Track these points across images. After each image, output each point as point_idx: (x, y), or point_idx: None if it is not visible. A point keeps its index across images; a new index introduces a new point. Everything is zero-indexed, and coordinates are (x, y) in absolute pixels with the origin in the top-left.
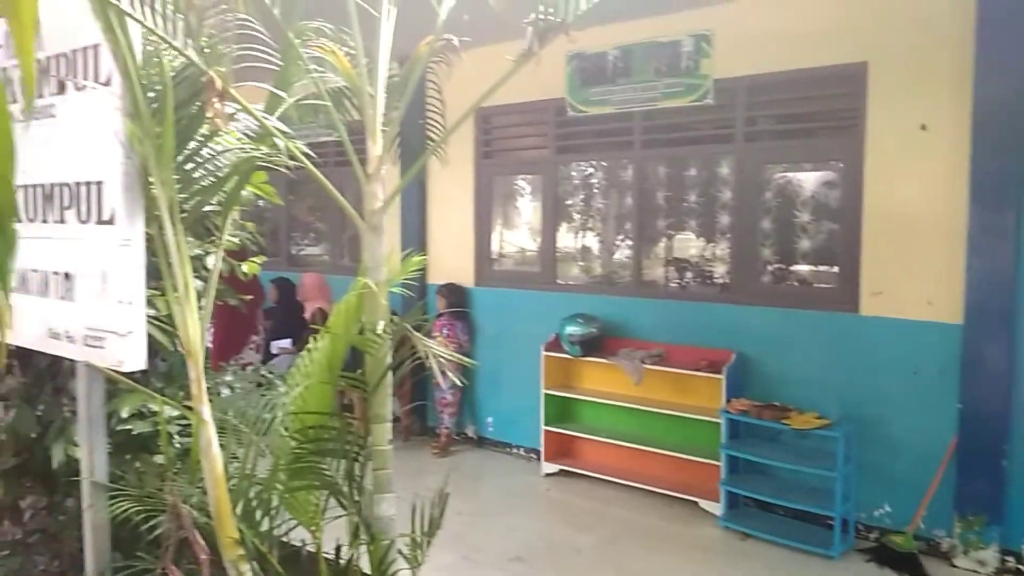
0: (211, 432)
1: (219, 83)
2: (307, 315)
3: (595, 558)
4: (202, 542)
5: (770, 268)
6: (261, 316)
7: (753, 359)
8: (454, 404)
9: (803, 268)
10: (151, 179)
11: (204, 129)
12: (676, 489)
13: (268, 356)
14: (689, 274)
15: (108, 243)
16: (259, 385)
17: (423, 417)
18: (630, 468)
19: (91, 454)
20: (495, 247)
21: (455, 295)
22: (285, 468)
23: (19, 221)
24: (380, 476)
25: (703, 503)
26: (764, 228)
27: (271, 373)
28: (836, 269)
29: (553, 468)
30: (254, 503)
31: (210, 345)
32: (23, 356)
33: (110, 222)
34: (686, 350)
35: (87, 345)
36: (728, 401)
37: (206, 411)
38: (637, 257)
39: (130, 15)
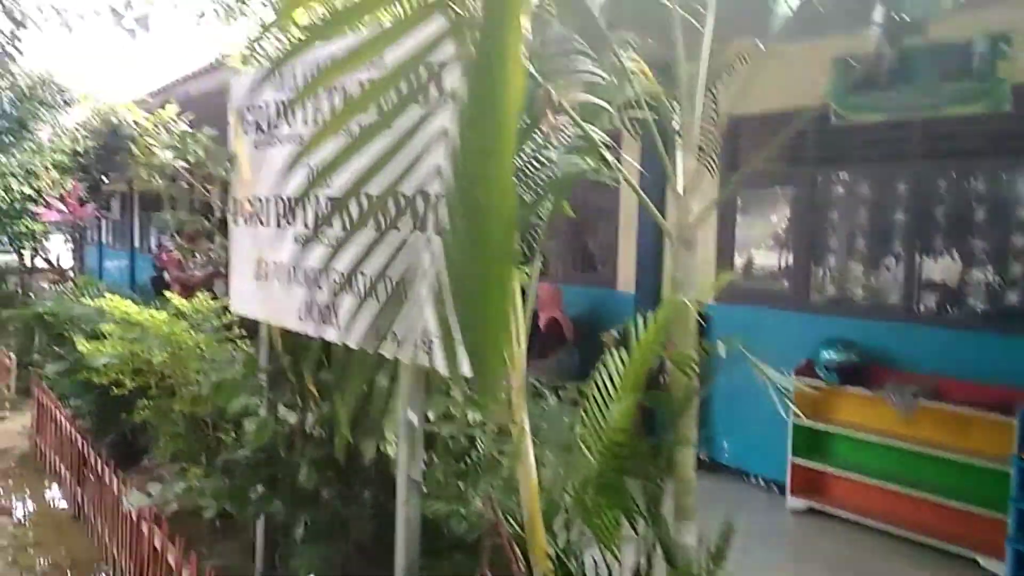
0: (528, 442)
1: (555, 97)
2: (541, 324)
3: None
4: (517, 552)
5: None
6: None
7: None
8: None
9: None
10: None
11: (531, 143)
12: (949, 541)
13: None
14: (972, 300)
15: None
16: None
17: None
18: (893, 512)
19: (409, 453)
20: (738, 262)
21: None
22: (591, 484)
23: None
24: (683, 502)
25: (984, 560)
26: None
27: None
28: None
29: (800, 504)
30: (560, 516)
31: None
32: (331, 353)
33: None
34: (967, 386)
35: (417, 348)
36: (1021, 447)
37: (525, 420)
38: (908, 279)
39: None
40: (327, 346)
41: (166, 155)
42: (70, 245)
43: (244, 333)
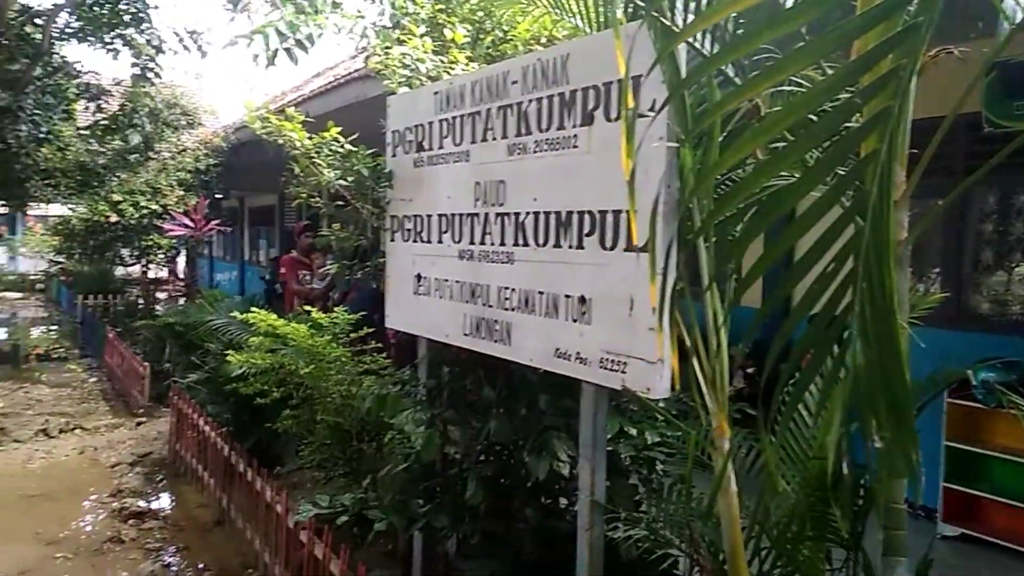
0: (730, 468)
1: (763, 110)
2: None
3: None
4: None
5: None
6: None
7: None
8: None
9: None
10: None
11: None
12: None
13: None
14: None
15: (639, 270)
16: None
17: None
18: None
19: (592, 474)
20: None
21: None
22: (796, 516)
23: (525, 245)
24: (893, 536)
25: None
26: None
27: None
28: None
29: (953, 531)
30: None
31: None
32: (488, 369)
33: (642, 250)
34: None
35: (604, 368)
36: None
37: (726, 445)
38: None
39: (694, 47)
40: (485, 362)
41: (330, 174)
42: (183, 258)
43: (381, 346)
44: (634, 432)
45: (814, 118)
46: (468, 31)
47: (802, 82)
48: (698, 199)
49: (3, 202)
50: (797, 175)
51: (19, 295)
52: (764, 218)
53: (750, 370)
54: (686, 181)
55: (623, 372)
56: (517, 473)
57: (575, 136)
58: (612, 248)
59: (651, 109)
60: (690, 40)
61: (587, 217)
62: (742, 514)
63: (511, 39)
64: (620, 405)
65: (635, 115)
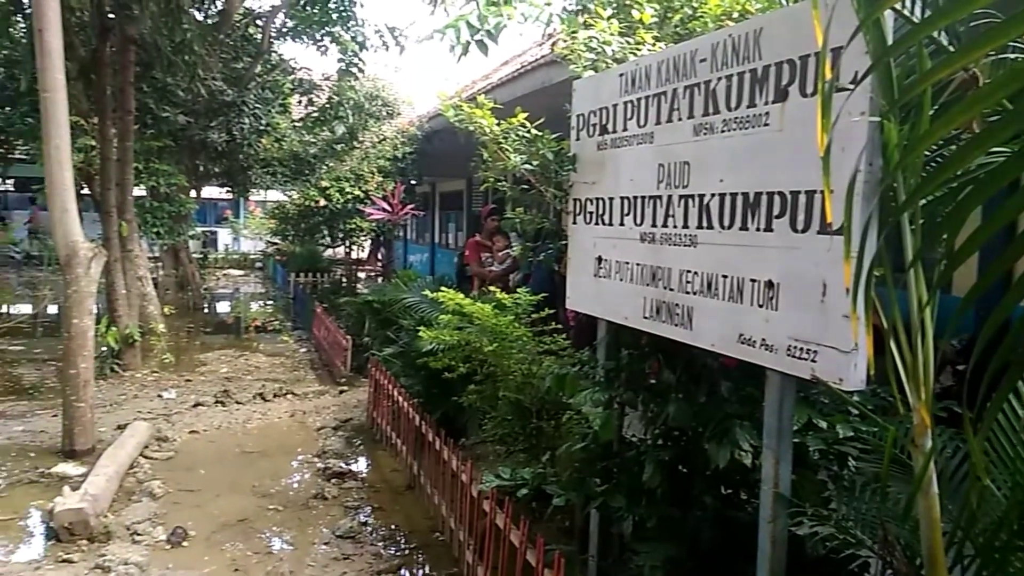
0: (932, 469)
1: (981, 81)
2: None
3: None
4: None
5: None
6: None
7: None
8: None
9: None
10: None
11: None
12: None
13: None
14: None
15: (832, 254)
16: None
17: None
18: None
19: (776, 465)
20: None
21: None
22: (1008, 524)
23: (710, 228)
24: None
25: None
26: None
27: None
28: None
29: None
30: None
31: None
32: (668, 353)
33: (837, 232)
34: None
35: (791, 356)
36: None
37: (929, 443)
38: None
39: (901, 14)
40: (664, 345)
41: (516, 159)
42: (381, 241)
43: (559, 327)
44: (824, 425)
45: None
46: (656, 10)
47: None
48: (903, 175)
49: (228, 188)
50: (1016, 148)
51: (241, 272)
52: (982, 192)
53: (961, 367)
54: (890, 157)
55: (813, 361)
56: (696, 460)
57: (767, 114)
58: (804, 231)
59: (851, 82)
60: (896, 6)
61: (777, 198)
62: (943, 518)
63: (700, 16)
64: (808, 395)
65: (832, 88)
